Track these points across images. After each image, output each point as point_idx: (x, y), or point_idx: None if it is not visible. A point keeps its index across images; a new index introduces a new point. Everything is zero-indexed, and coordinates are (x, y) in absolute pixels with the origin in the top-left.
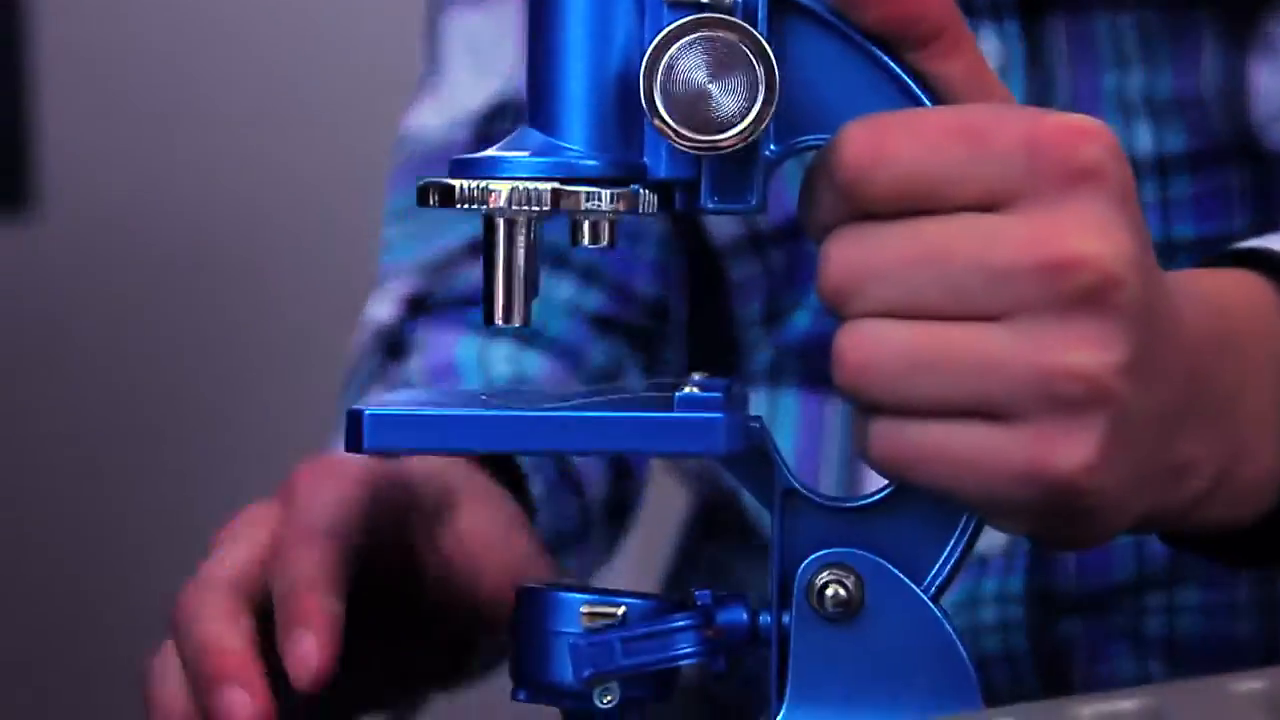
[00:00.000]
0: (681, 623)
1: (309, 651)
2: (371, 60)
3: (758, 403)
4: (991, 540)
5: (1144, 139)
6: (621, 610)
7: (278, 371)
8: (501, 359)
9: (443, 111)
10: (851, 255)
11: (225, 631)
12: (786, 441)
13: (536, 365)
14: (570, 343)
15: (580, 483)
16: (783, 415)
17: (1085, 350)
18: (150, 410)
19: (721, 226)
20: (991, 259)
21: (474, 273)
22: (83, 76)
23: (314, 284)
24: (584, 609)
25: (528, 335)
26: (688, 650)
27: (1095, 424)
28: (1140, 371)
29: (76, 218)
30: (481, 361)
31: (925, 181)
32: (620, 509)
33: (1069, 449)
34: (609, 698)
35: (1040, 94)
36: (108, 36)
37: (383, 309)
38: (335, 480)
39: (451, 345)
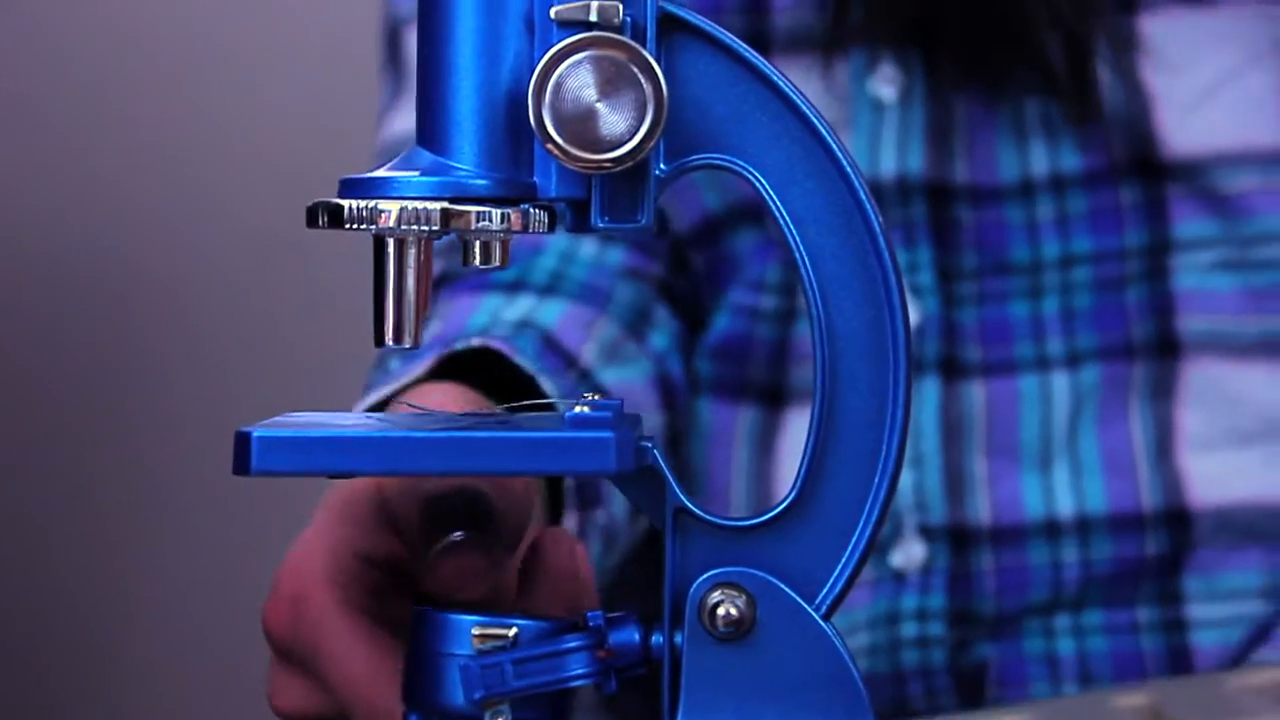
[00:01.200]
0: (573, 644)
1: None
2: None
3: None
4: (909, 556)
5: (1039, 159)
6: (513, 632)
7: (198, 382)
8: (518, 310)
9: None
10: None
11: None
12: (701, 451)
13: (556, 311)
14: (597, 286)
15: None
16: (697, 425)
17: None
18: (69, 431)
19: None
20: None
21: None
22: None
23: (237, 300)
24: (475, 630)
25: (551, 285)
26: (580, 672)
27: None
28: None
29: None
30: (494, 319)
31: None
32: (676, 439)
33: None
34: (501, 718)
35: (939, 119)
36: (19, 45)
37: None
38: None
39: (470, 309)
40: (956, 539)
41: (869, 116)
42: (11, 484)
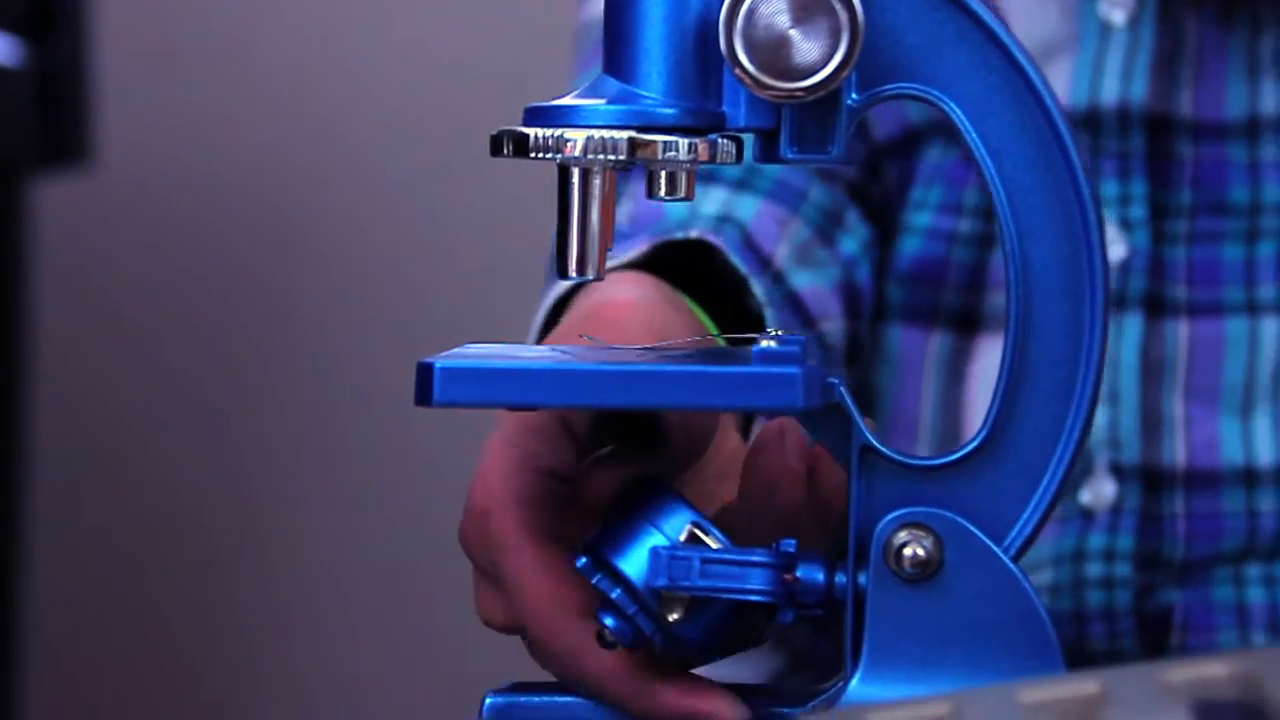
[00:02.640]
0: (761, 559)
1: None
2: (438, 36)
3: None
4: (1099, 494)
5: (1269, 98)
6: (716, 545)
7: (339, 326)
8: (714, 201)
9: None
10: None
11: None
12: (889, 380)
13: (752, 205)
14: (790, 183)
15: (811, 315)
16: (886, 351)
17: None
18: (210, 370)
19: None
20: None
21: None
22: (142, 27)
23: (369, 244)
24: (689, 526)
25: (745, 179)
26: (761, 587)
27: None
28: None
29: (134, 172)
30: (692, 210)
31: None
32: (859, 348)
33: None
34: (674, 615)
35: (1168, 46)
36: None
37: None
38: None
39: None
40: (1149, 480)
41: (1095, 39)
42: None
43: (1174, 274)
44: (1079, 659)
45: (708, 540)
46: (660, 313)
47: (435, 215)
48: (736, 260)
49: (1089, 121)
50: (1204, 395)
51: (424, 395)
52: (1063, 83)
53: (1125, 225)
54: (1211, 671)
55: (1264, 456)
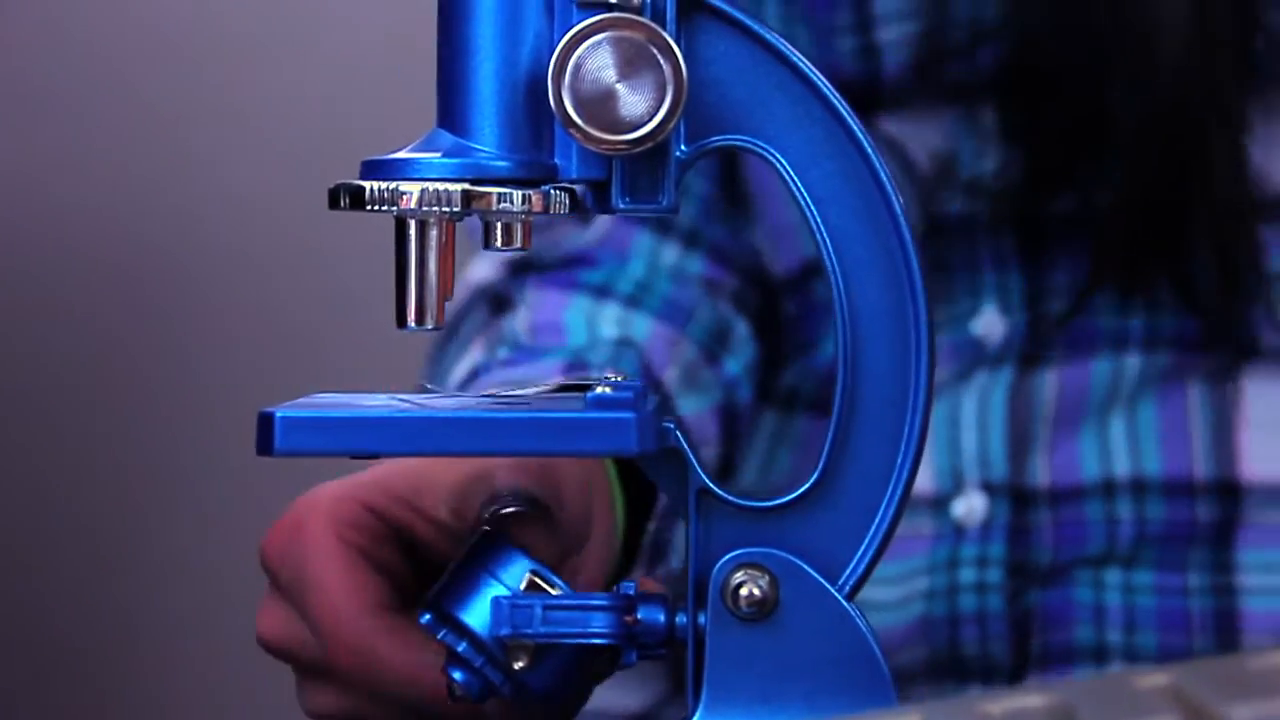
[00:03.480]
0: (602, 602)
1: None
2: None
3: (765, 423)
4: (970, 508)
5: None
6: (557, 592)
7: (210, 370)
8: (609, 320)
9: None
10: None
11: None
12: (785, 464)
13: (645, 326)
14: (679, 302)
15: (692, 440)
16: (789, 439)
17: None
18: (83, 416)
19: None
20: None
21: (577, 232)
22: (11, 71)
23: (247, 283)
24: (529, 573)
25: (636, 296)
26: (604, 630)
27: None
28: None
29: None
30: (590, 321)
31: None
32: (729, 469)
33: None
34: (520, 663)
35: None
36: (36, 31)
37: (483, 269)
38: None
39: (561, 305)
40: (1017, 497)
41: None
42: (32, 479)
43: (1048, 342)
44: (952, 662)
45: (548, 588)
46: None
47: (301, 261)
48: None
49: None
50: (1067, 421)
51: (265, 444)
52: None
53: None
54: (1027, 703)
55: (1120, 468)
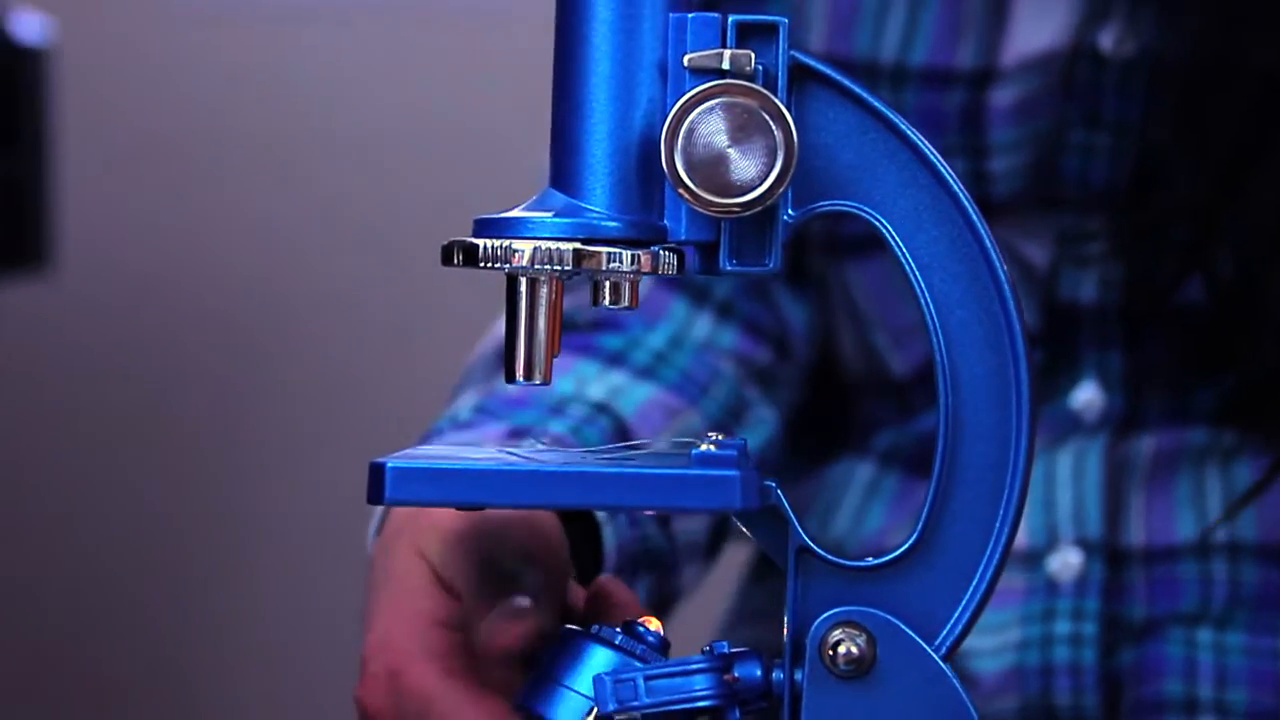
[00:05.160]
0: (701, 664)
1: None
2: (390, 127)
3: (861, 476)
4: (1065, 563)
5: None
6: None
7: (296, 435)
8: (602, 386)
9: None
10: None
11: None
12: (878, 519)
13: (642, 395)
14: (696, 378)
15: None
16: (882, 493)
17: None
18: (164, 475)
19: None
20: None
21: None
22: (102, 135)
23: (328, 348)
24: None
25: (651, 367)
26: (707, 691)
27: None
28: None
29: (92, 277)
30: (578, 392)
31: None
32: (723, 537)
33: None
34: None
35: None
36: (128, 93)
37: None
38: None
39: (556, 372)
40: (1111, 555)
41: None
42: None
43: (1146, 418)
44: (1043, 713)
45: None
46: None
47: (393, 318)
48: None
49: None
50: (1163, 481)
51: (376, 493)
52: None
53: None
54: None
55: (1217, 531)
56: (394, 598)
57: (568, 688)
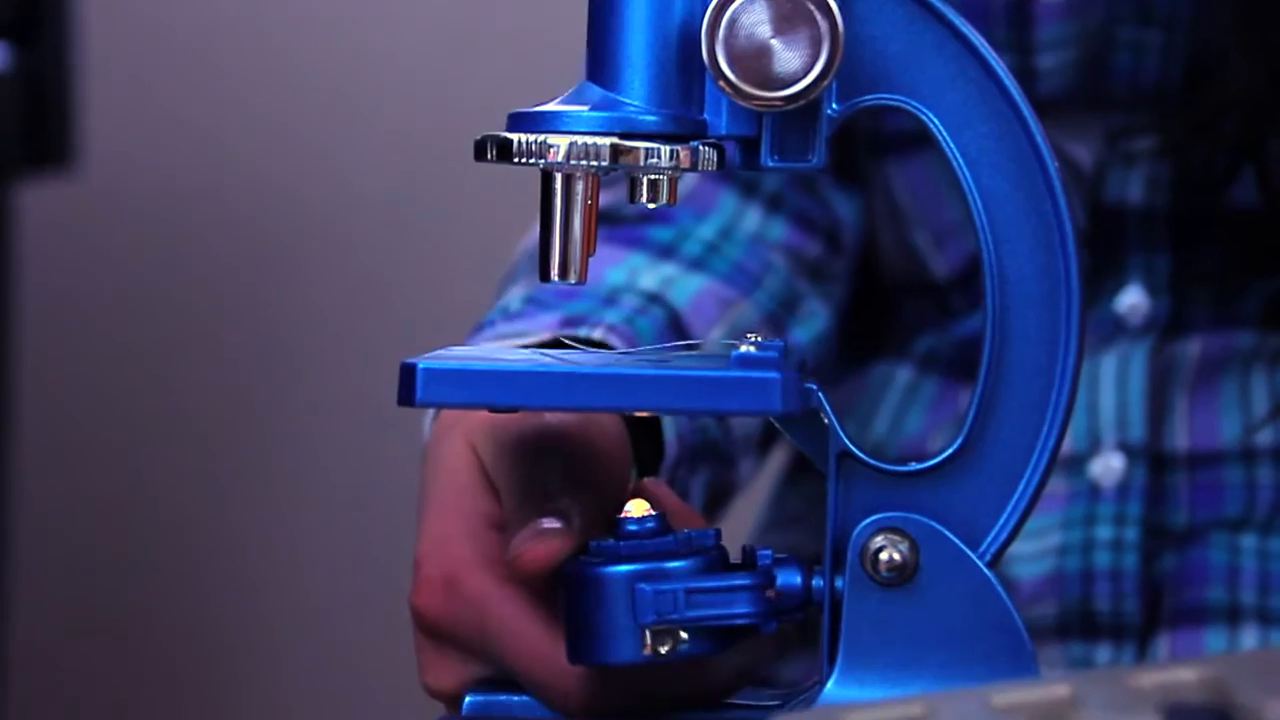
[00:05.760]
0: (744, 582)
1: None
2: (424, 25)
3: (900, 379)
4: (1108, 468)
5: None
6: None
7: (323, 332)
8: (654, 277)
9: None
10: None
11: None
12: (917, 422)
13: (694, 286)
14: (748, 268)
15: None
16: (922, 397)
17: None
18: (192, 373)
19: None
20: None
21: None
22: (127, 29)
23: (359, 249)
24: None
25: (703, 258)
26: (745, 611)
27: None
28: None
29: (117, 176)
30: (630, 282)
31: None
32: (775, 434)
33: None
34: (667, 647)
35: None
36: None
37: None
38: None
39: (607, 263)
40: (1154, 459)
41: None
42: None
43: (1192, 321)
44: (1082, 618)
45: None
46: None
47: (419, 221)
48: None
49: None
50: (1207, 385)
51: (407, 395)
52: None
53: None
54: (1181, 676)
55: (1262, 434)
56: (445, 494)
57: (606, 625)
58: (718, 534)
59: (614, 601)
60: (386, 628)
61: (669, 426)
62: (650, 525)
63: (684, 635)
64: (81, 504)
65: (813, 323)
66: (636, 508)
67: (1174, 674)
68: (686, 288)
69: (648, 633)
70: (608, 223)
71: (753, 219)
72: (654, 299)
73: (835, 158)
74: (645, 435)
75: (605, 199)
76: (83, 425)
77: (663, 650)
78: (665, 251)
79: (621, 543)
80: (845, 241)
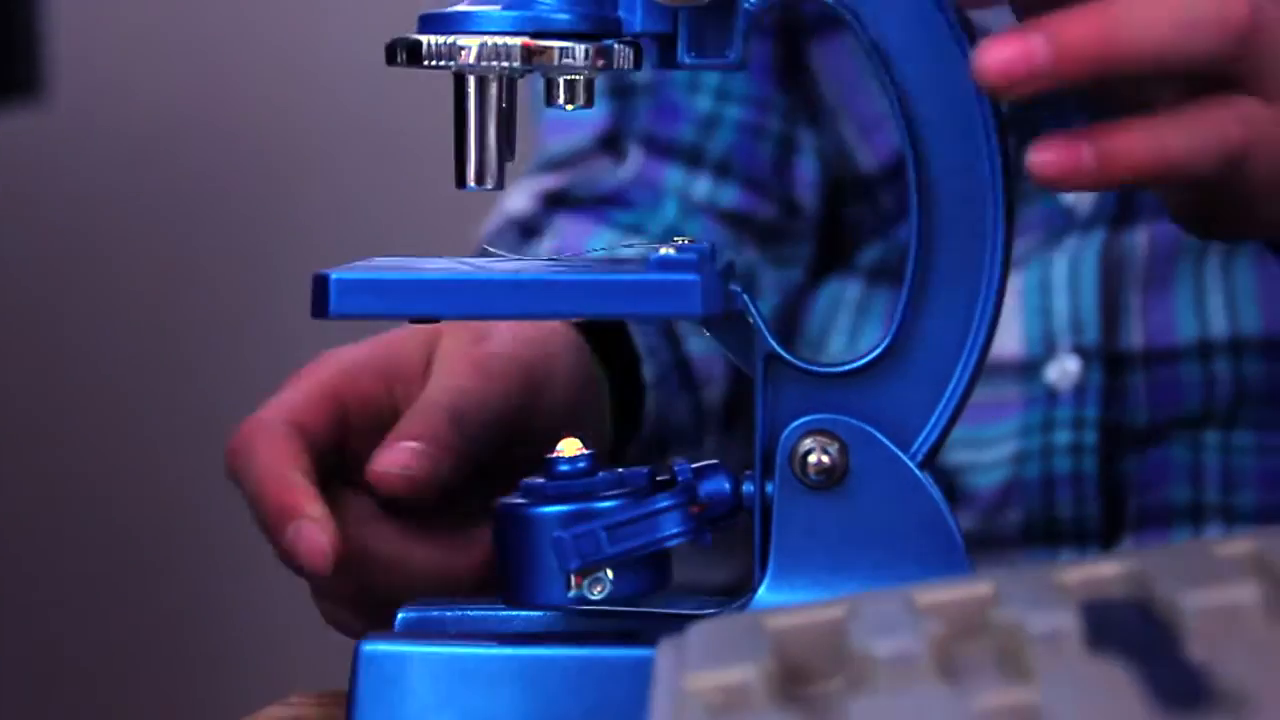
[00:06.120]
0: (665, 504)
1: (313, 536)
2: None
3: (850, 295)
4: (1064, 372)
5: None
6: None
7: (293, 268)
8: (628, 252)
9: None
10: None
11: (285, 468)
12: (873, 339)
13: None
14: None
15: (696, 379)
16: (874, 312)
17: None
18: (161, 304)
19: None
20: None
21: (610, 171)
22: None
23: (340, 171)
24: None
25: (664, 233)
26: (674, 531)
27: None
28: None
29: (90, 103)
30: (611, 252)
31: None
32: (740, 410)
33: None
34: (599, 588)
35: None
36: None
37: (519, 201)
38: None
39: (584, 235)
40: (1110, 361)
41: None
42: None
43: (1141, 207)
44: (1046, 525)
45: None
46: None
47: (398, 139)
48: (638, 339)
49: None
50: (1161, 281)
51: (320, 307)
52: None
53: None
54: (1103, 572)
55: (1217, 328)
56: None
57: (534, 567)
58: (651, 471)
59: (540, 544)
60: None
61: (650, 402)
62: (581, 465)
63: (609, 573)
64: (51, 439)
65: (771, 297)
66: (568, 447)
67: (1097, 569)
68: None
69: (571, 577)
70: (569, 204)
71: (702, 188)
72: None
73: (786, 73)
74: (623, 410)
75: (559, 180)
76: (47, 358)
77: (595, 593)
78: (631, 231)
79: (549, 483)
80: (804, 200)
